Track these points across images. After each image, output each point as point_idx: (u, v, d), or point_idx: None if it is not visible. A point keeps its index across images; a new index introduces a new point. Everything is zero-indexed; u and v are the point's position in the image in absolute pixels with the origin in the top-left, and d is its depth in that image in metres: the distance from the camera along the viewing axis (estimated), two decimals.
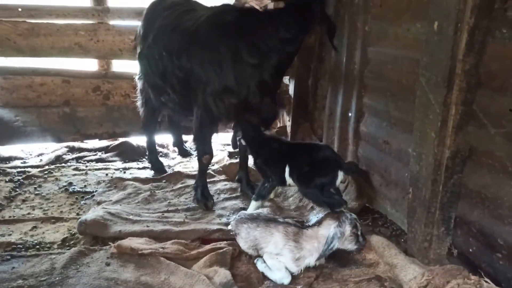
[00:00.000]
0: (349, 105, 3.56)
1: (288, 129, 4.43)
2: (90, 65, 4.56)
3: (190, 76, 2.99)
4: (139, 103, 3.92)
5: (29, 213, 3.14)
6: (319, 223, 2.31)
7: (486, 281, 2.02)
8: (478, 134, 2.18)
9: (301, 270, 2.31)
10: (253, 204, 3.03)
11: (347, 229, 2.25)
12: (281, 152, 2.94)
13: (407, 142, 2.77)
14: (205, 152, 3.20)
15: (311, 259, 2.30)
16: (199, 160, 3.26)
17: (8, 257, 2.48)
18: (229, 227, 2.71)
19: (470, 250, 2.28)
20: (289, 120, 4.42)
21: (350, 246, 2.31)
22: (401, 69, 2.89)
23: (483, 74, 2.14)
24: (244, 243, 2.50)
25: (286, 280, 2.27)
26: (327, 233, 2.23)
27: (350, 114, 3.57)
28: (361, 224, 2.39)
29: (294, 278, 2.30)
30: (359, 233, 2.30)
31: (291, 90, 4.35)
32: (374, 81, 3.25)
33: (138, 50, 3.56)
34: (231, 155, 4.33)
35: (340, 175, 2.66)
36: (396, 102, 2.96)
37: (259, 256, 2.45)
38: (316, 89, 4.24)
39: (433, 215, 2.39)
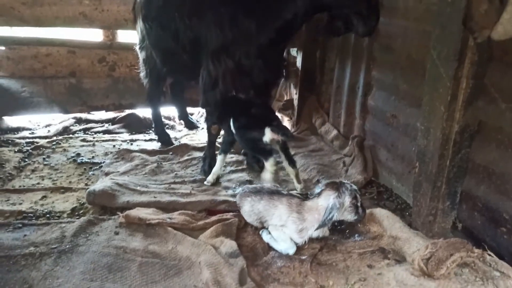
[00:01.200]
0: (357, 78, 3.51)
1: (295, 102, 4.39)
2: (95, 35, 4.51)
3: (199, 37, 3.00)
4: (142, 74, 3.89)
5: (38, 183, 3.19)
6: (319, 194, 2.32)
7: (489, 254, 2.03)
8: (488, 109, 2.14)
9: (306, 241, 2.34)
10: (218, 158, 3.15)
11: (347, 200, 2.24)
12: (229, 106, 3.01)
13: (415, 116, 2.75)
14: (213, 122, 3.21)
15: (313, 232, 2.32)
16: (208, 130, 3.28)
17: (20, 225, 2.53)
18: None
19: (475, 224, 2.29)
20: (296, 93, 4.38)
21: (349, 216, 2.31)
22: (411, 42, 2.84)
23: (495, 48, 2.08)
24: (248, 217, 2.52)
25: (291, 250, 2.30)
26: (326, 203, 2.24)
27: (358, 88, 3.54)
28: (361, 196, 2.39)
29: (299, 249, 2.33)
30: (358, 204, 2.30)
31: (298, 63, 4.28)
32: (383, 54, 3.20)
33: (141, 15, 3.49)
34: None
35: (268, 132, 2.72)
36: (405, 75, 2.92)
37: (264, 227, 2.48)
38: (324, 62, 4.19)
39: (439, 189, 2.39)
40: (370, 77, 3.36)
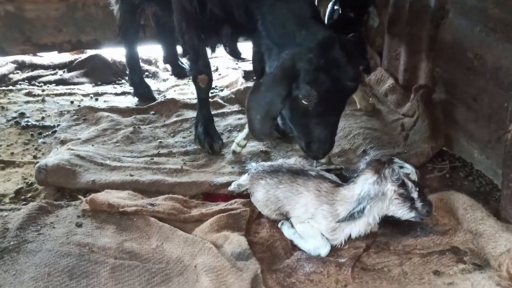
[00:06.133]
0: None
1: None
2: None
3: None
4: None
5: None
6: (357, 177, 2.32)
7: None
8: None
9: (344, 240, 2.37)
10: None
11: (389, 188, 2.22)
12: None
13: (511, 56, 2.70)
14: (198, 69, 3.24)
15: (352, 229, 2.33)
16: (194, 82, 3.31)
17: None
18: (232, 187, 2.80)
19: None
20: None
21: (400, 212, 2.28)
22: None
23: None
24: (262, 206, 2.55)
25: (324, 250, 2.33)
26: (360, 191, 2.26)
27: (426, 13, 3.48)
28: (421, 183, 2.32)
29: (335, 248, 2.36)
30: (414, 195, 2.24)
31: None
32: None
33: None
34: (247, 75, 4.30)
35: None
36: None
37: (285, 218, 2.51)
38: None
39: None
40: None
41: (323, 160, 3.04)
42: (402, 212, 2.29)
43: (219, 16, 3.01)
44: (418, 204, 2.26)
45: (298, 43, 2.66)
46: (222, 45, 3.27)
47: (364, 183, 2.24)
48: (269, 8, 2.79)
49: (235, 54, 3.38)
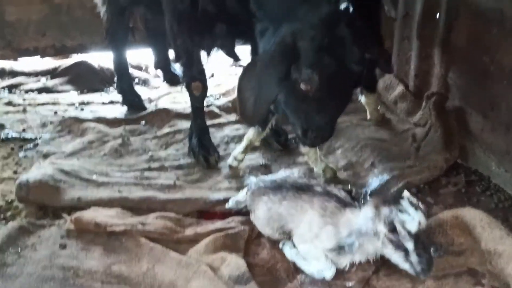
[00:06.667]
0: None
1: None
2: None
3: None
4: None
5: None
6: (364, 201, 2.29)
7: None
8: None
9: (350, 263, 2.32)
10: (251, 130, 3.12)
11: (381, 229, 2.14)
12: None
13: None
14: (192, 76, 3.21)
15: (355, 256, 2.28)
16: (188, 89, 3.28)
17: None
18: (231, 204, 2.75)
19: None
20: None
21: (393, 258, 2.19)
22: None
23: None
24: (265, 225, 2.53)
25: (328, 273, 2.30)
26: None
27: (438, 15, 3.48)
28: (435, 197, 2.27)
29: (342, 271, 2.32)
30: (409, 246, 2.13)
31: None
32: None
33: None
34: None
35: None
36: None
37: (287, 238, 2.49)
38: None
39: None
40: None
41: (328, 175, 3.00)
42: (396, 260, 2.20)
43: (212, 14, 2.95)
44: (414, 258, 2.14)
45: (297, 19, 2.53)
46: (218, 48, 3.22)
47: (365, 215, 2.20)
48: None
49: (233, 56, 3.33)
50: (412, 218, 2.12)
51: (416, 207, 2.14)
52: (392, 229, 2.12)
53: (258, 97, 2.52)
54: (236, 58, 3.41)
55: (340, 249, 2.21)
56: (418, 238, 2.14)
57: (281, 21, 2.59)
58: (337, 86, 2.55)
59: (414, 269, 2.16)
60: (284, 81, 2.51)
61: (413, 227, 2.11)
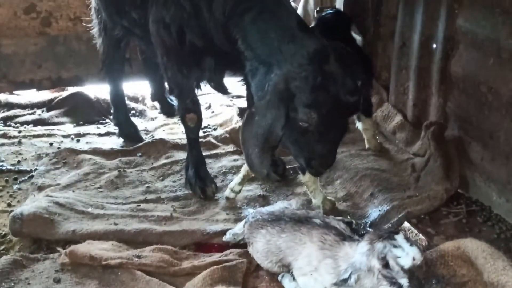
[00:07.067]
0: (433, 30, 3.49)
1: None
2: None
3: None
4: (95, 29, 3.88)
5: None
6: (362, 237, 2.26)
7: None
8: None
9: None
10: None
11: (375, 264, 2.13)
12: None
13: None
14: (186, 108, 3.21)
15: None
16: (182, 121, 3.28)
17: None
18: (228, 237, 2.73)
19: None
20: None
21: None
22: None
23: None
24: (263, 258, 2.51)
25: None
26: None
27: (434, 46, 3.51)
28: (436, 228, 2.25)
29: None
30: (402, 282, 2.12)
31: (339, 3, 4.26)
32: None
33: None
34: (242, 113, 4.27)
35: None
36: (511, 24, 2.87)
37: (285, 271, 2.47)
38: (380, 5, 4.17)
39: None
40: (455, 28, 3.32)
41: (326, 207, 2.98)
42: None
43: (200, 47, 2.98)
44: None
45: (286, 59, 2.58)
46: (206, 81, 3.25)
47: (361, 250, 2.18)
48: (248, 24, 2.75)
49: (221, 90, 3.35)
50: (406, 254, 2.11)
51: (411, 243, 2.13)
52: (386, 264, 2.11)
53: (263, 145, 2.58)
54: (224, 92, 3.43)
55: (340, 284, 2.16)
56: (413, 274, 2.14)
57: (271, 60, 2.65)
58: (335, 118, 2.62)
59: None
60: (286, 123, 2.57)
61: (406, 263, 2.10)
